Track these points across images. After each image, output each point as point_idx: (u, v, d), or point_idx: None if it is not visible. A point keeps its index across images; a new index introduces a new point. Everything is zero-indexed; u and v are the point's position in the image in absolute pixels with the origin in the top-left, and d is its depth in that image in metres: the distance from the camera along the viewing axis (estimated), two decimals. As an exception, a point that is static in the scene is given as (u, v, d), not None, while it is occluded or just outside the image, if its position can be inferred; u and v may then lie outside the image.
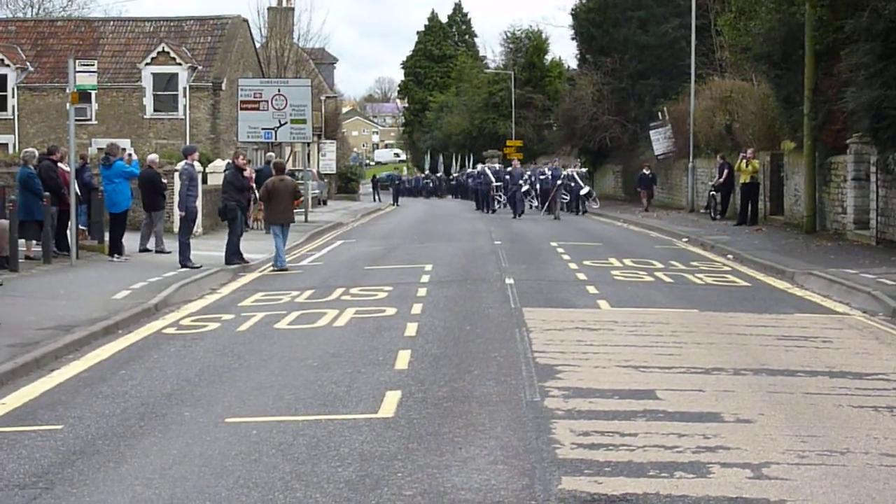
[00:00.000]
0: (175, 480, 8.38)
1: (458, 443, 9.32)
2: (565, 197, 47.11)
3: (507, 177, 49.73)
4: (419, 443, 9.33)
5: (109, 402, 11.05)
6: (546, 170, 49.15)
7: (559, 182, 46.50)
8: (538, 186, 48.91)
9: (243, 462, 8.83)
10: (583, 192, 48.94)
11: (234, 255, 24.10)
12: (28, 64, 55.25)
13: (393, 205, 67.42)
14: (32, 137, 51.47)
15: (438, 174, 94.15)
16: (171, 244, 25.32)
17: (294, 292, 19.86)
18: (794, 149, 33.55)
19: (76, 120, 24.28)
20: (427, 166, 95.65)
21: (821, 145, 30.75)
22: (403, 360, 13.00)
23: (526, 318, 16.02)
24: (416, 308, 17.24)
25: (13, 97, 54.64)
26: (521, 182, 47.17)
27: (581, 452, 8.95)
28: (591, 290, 19.55)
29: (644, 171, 49.19)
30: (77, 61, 23.55)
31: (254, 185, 27.74)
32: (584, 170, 54.32)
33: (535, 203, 49.86)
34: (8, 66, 54.38)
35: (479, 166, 61.43)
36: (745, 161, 35.70)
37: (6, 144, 51.74)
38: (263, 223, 35.94)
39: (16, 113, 54.58)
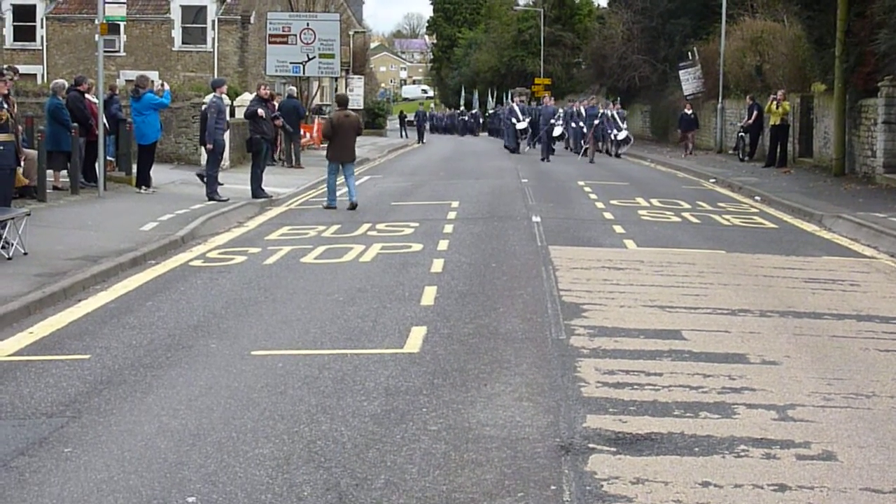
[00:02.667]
0: (201, 411, 8.43)
1: (483, 379, 9.34)
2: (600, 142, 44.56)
3: (538, 115, 47.36)
4: (444, 378, 9.36)
5: (136, 333, 11.10)
6: (582, 108, 46.65)
7: (596, 122, 44.20)
8: (573, 125, 46.86)
9: (269, 394, 8.88)
10: (620, 136, 45.22)
11: (258, 188, 24.11)
12: (57, -6, 55.19)
13: (419, 142, 66.88)
14: (61, 68, 51.51)
15: (473, 111, 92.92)
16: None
17: (320, 227, 19.89)
18: (824, 91, 33.27)
19: (105, 51, 24.24)
20: (462, 102, 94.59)
21: (851, 88, 30.45)
22: (429, 296, 13.02)
23: (552, 257, 16.00)
24: (443, 244, 17.25)
25: (42, 28, 54.63)
26: (552, 121, 45.01)
27: (606, 391, 8.96)
28: (618, 229, 19.50)
29: (686, 110, 46.14)
30: (106, -8, 23.51)
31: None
32: (624, 111, 49.77)
33: (571, 143, 48.20)
34: (37, -4, 54.36)
35: (508, 103, 60.36)
36: (775, 103, 35.43)
37: (35, 75, 51.67)
38: (285, 159, 35.96)
39: (44, 44, 54.60)
